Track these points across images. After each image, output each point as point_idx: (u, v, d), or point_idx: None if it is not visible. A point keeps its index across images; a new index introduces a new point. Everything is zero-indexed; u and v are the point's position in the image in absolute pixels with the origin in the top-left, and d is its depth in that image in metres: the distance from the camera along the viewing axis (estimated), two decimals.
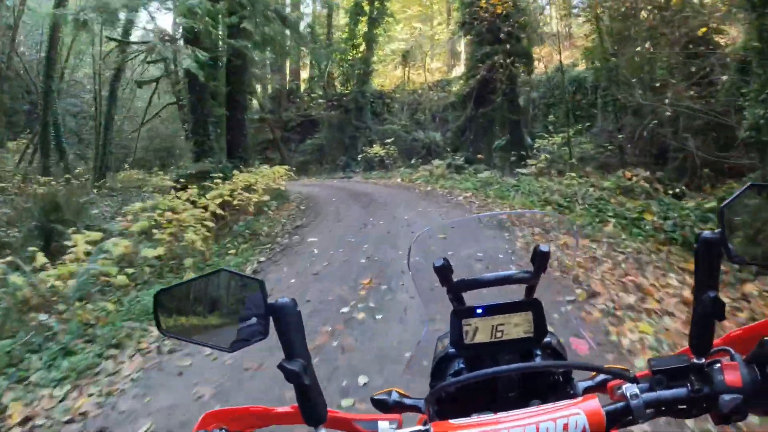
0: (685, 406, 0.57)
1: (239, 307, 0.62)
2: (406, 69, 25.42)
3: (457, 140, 17.65)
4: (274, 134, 23.30)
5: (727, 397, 0.53)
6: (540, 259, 0.79)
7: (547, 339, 0.77)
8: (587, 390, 0.73)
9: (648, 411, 0.56)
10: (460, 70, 26.62)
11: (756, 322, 0.65)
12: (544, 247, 0.79)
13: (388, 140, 18.30)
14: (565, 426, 0.52)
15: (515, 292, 0.83)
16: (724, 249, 0.57)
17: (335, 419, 0.65)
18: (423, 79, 25.68)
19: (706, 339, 0.59)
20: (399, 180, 14.52)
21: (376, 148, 18.04)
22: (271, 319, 0.59)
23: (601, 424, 0.53)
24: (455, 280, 0.81)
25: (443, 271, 0.79)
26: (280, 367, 0.57)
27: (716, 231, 0.57)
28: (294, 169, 17.89)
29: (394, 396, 0.76)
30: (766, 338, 0.54)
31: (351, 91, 20.91)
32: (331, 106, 21.49)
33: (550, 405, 0.56)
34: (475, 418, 0.56)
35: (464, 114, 16.98)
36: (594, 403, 0.55)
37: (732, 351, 0.58)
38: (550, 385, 0.76)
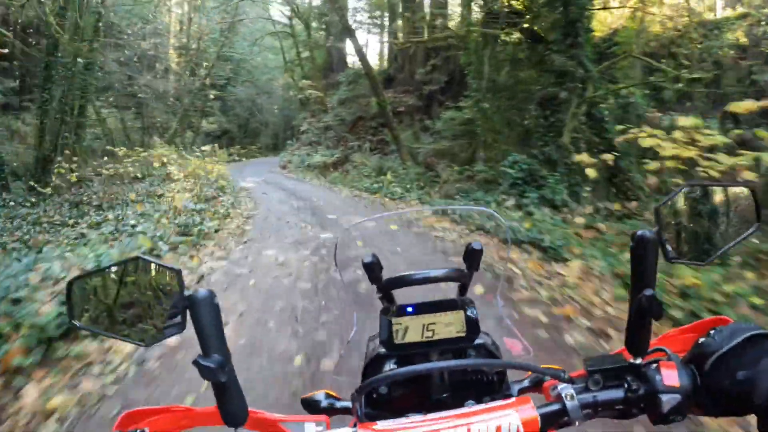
0: (622, 407, 0.57)
1: (156, 297, 0.59)
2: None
3: None
4: (382, 102, 13.01)
5: (665, 397, 0.53)
6: (472, 257, 0.79)
7: (480, 339, 0.76)
8: (523, 390, 0.73)
9: (584, 412, 0.55)
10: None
11: (692, 323, 0.64)
12: (476, 245, 0.79)
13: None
14: (498, 428, 0.52)
15: (451, 291, 0.82)
16: (660, 247, 0.57)
17: (258, 420, 0.63)
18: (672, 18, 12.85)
19: (643, 339, 0.58)
20: None
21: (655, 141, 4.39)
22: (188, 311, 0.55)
23: (535, 426, 0.52)
24: (385, 277, 0.80)
25: (372, 268, 0.78)
26: (195, 363, 0.53)
27: (653, 230, 0.57)
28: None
29: (324, 397, 0.74)
30: (701, 339, 0.54)
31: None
32: (493, 22, 9.36)
33: (482, 406, 0.55)
34: (403, 420, 0.56)
35: None
36: (528, 404, 0.54)
37: (668, 351, 0.58)
38: (484, 385, 0.75)
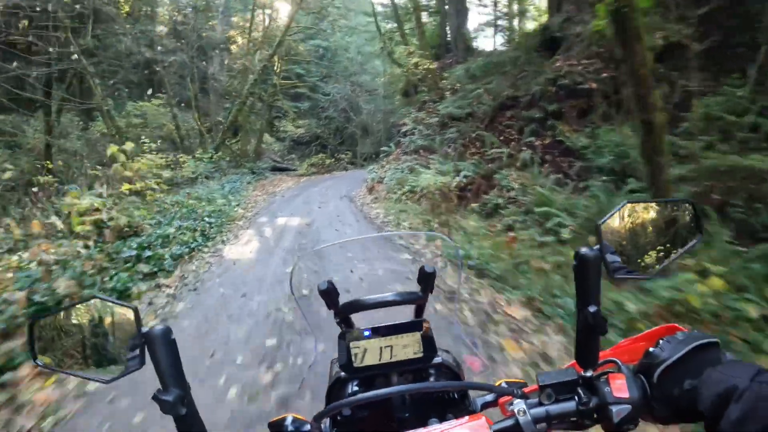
0: (575, 419, 0.58)
1: (114, 334, 0.60)
2: None
3: None
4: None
5: (615, 408, 0.54)
6: (426, 280, 0.84)
7: (439, 358, 0.80)
8: (485, 405, 0.76)
9: (538, 426, 0.57)
10: None
11: (643, 332, 0.65)
12: (428, 268, 0.84)
13: None
14: None
15: (409, 313, 0.86)
16: (603, 264, 0.58)
17: None
18: None
19: (592, 352, 0.60)
20: None
21: None
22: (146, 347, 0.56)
23: None
24: (341, 302, 0.85)
25: (329, 294, 0.83)
26: (155, 398, 0.55)
27: (594, 247, 0.58)
28: None
29: (291, 422, 0.75)
30: (650, 349, 0.56)
31: None
32: None
33: (439, 426, 0.58)
34: None
35: None
36: (480, 421, 0.56)
37: (619, 362, 0.59)
38: (447, 402, 0.78)
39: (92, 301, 0.60)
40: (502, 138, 8.78)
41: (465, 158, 8.70)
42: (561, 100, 8.68)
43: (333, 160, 23.12)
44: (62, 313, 0.62)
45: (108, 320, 0.59)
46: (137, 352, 0.56)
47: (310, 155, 23.76)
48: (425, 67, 12.15)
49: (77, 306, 0.61)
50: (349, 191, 11.85)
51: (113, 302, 0.59)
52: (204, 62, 17.45)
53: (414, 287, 0.93)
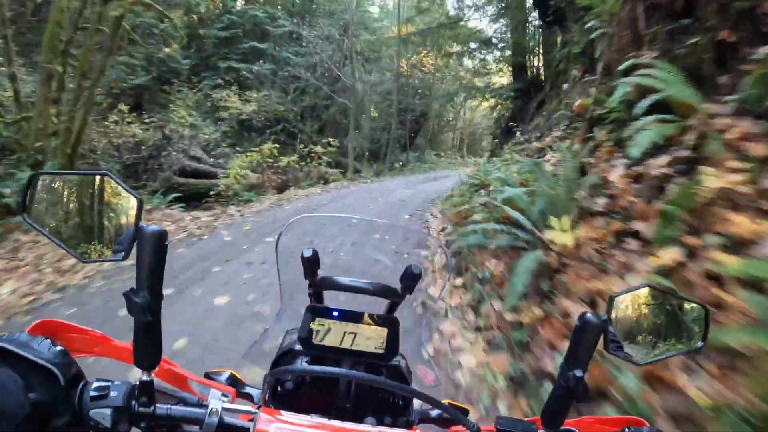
0: None
1: (110, 218, 0.56)
2: None
3: None
4: None
5: None
6: (409, 279, 0.79)
7: (395, 361, 0.76)
8: (424, 421, 0.74)
9: None
10: None
11: (612, 416, 0.64)
12: (415, 269, 0.78)
13: None
14: None
15: (379, 305, 0.80)
16: (603, 335, 0.56)
17: (169, 371, 0.63)
18: None
19: (560, 414, 0.58)
20: None
21: None
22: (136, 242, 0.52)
23: None
24: (320, 275, 0.79)
25: (310, 263, 0.77)
26: (125, 295, 0.51)
27: (602, 316, 0.56)
28: None
29: (228, 376, 0.75)
30: None
31: None
32: None
33: (385, 428, 0.55)
34: (306, 417, 0.55)
35: None
36: None
37: None
38: (388, 405, 0.75)
39: (103, 177, 0.55)
40: None
41: None
42: None
43: (297, 158, 12.56)
44: (68, 177, 0.58)
45: (110, 201, 0.56)
46: (126, 242, 0.52)
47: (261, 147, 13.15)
48: None
49: (86, 175, 0.57)
50: None
51: (123, 186, 0.54)
52: None
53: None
